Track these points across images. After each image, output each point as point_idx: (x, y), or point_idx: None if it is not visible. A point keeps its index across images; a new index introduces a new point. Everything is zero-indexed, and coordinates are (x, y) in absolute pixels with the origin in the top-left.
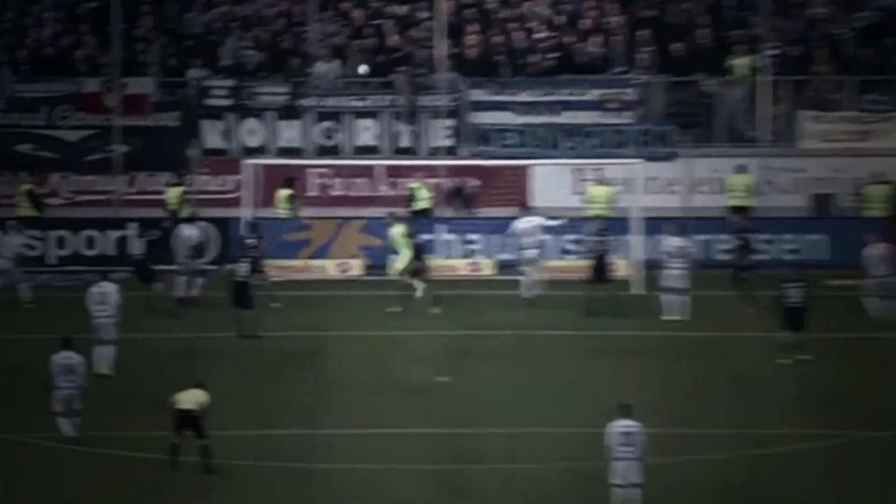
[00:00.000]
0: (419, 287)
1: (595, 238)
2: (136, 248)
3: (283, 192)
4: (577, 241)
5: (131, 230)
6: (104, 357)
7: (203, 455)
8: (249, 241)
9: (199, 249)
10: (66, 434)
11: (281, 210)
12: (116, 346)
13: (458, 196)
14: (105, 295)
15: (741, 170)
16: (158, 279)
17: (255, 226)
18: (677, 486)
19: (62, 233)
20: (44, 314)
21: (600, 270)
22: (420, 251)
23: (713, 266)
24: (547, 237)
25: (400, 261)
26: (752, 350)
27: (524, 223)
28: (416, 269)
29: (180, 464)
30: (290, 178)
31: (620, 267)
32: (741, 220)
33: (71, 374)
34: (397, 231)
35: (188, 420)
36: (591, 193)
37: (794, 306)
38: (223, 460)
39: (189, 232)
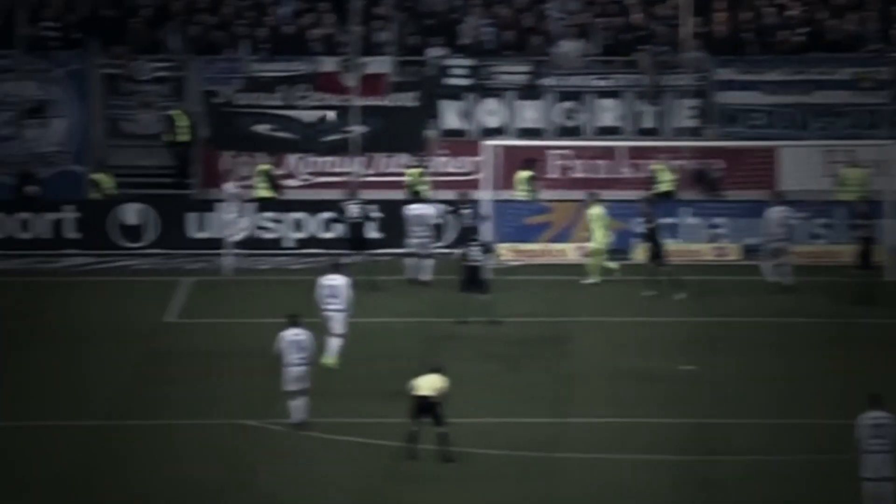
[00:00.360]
0: (615, 268)
1: (861, 222)
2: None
3: (523, 174)
4: (827, 226)
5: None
6: (332, 349)
7: (440, 443)
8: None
9: (435, 230)
10: (295, 419)
11: (520, 192)
12: (344, 339)
13: (702, 179)
14: (335, 288)
15: None
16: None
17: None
18: None
19: (299, 215)
20: (278, 296)
21: (866, 256)
22: (655, 235)
23: None
24: (795, 223)
25: (594, 242)
26: None
27: (775, 213)
28: (654, 253)
29: (419, 452)
30: (530, 159)
31: (875, 253)
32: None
33: (301, 352)
34: (595, 212)
35: (426, 407)
36: (844, 176)
37: None
38: (462, 448)
39: (421, 211)
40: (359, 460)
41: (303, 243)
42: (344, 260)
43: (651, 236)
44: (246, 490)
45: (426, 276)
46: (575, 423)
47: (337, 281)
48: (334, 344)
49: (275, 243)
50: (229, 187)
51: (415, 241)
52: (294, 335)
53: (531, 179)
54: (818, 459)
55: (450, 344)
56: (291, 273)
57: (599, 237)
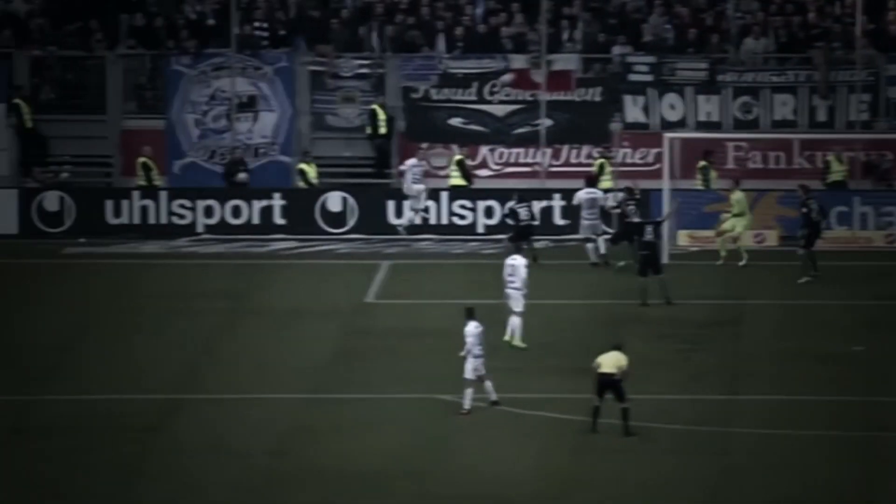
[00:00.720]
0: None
1: None
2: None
3: (701, 164)
4: None
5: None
6: (515, 330)
7: (623, 418)
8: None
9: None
10: (466, 407)
11: (699, 182)
12: (523, 317)
13: (875, 170)
14: (515, 268)
15: None
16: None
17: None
18: None
19: (490, 203)
20: (469, 279)
21: None
22: (811, 221)
23: None
24: None
25: (738, 226)
26: None
27: None
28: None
29: (601, 426)
30: (708, 150)
31: None
32: None
33: (478, 345)
34: (735, 197)
35: (609, 383)
36: None
37: None
38: (642, 423)
39: (592, 195)
40: (545, 434)
41: (492, 230)
42: (524, 245)
43: (808, 223)
44: (440, 461)
45: (597, 256)
46: (748, 401)
47: (517, 261)
48: (516, 323)
49: (467, 229)
50: (412, 162)
51: (586, 223)
52: (475, 327)
53: (706, 169)
54: None
55: (629, 325)
56: (482, 258)
57: (742, 221)
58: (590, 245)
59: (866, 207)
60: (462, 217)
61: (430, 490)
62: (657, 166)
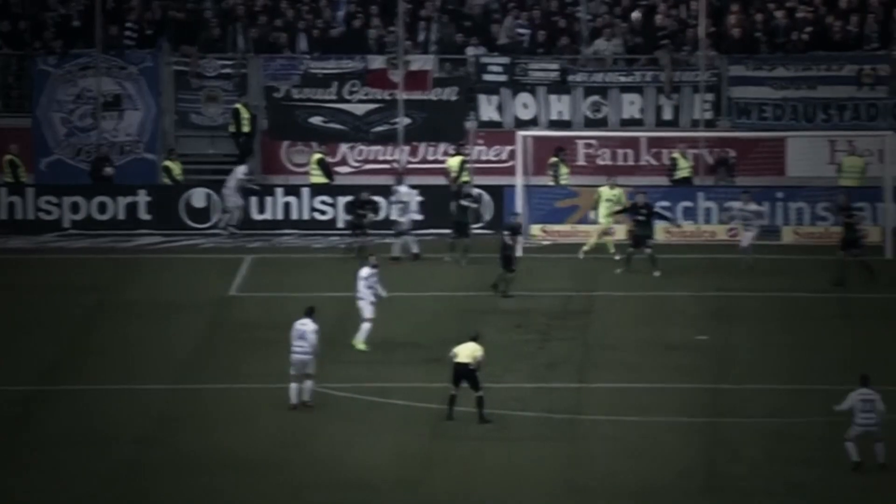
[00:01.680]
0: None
1: (841, 209)
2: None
3: (552, 160)
4: (830, 210)
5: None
6: (361, 331)
7: (478, 406)
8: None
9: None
10: (291, 401)
11: (550, 178)
12: (372, 323)
13: (722, 165)
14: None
15: None
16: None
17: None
18: None
19: (350, 198)
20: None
21: (846, 241)
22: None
23: None
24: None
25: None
26: None
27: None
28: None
29: (458, 414)
30: (560, 147)
31: (872, 233)
32: (845, 198)
33: (302, 340)
34: (606, 193)
35: (464, 373)
36: (844, 164)
37: None
38: (499, 411)
39: (405, 190)
40: (404, 422)
41: (349, 225)
42: (372, 251)
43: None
44: (303, 450)
45: (416, 249)
46: (599, 388)
47: (365, 272)
48: (364, 328)
49: (328, 224)
50: (242, 169)
51: (403, 219)
52: (301, 324)
53: (558, 165)
54: (826, 421)
55: (486, 316)
56: (342, 252)
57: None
58: (399, 239)
59: (710, 203)
60: (322, 213)
61: (295, 477)
62: (511, 163)
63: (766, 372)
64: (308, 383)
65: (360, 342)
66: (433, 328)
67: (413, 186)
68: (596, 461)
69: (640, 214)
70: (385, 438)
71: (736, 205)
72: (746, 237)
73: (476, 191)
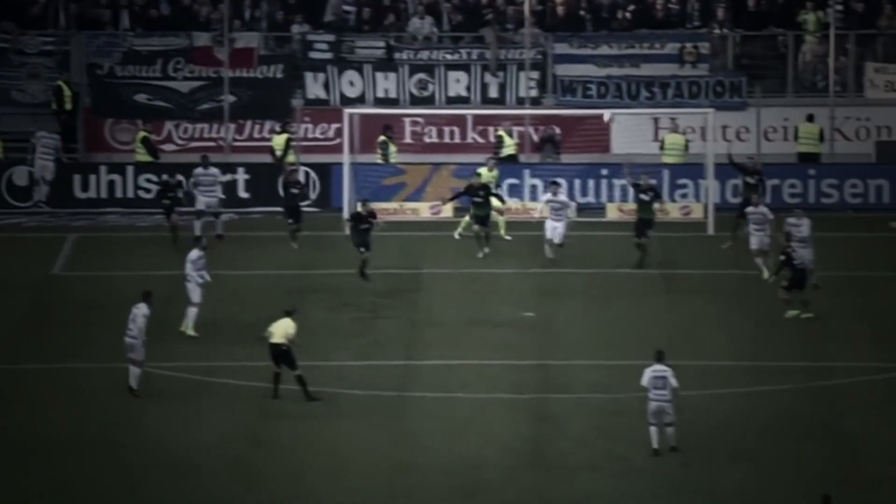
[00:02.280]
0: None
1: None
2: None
3: (381, 139)
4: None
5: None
6: (189, 317)
7: (300, 384)
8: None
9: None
10: (131, 383)
11: (378, 156)
12: (200, 308)
13: (548, 143)
14: (135, 316)
15: (810, 118)
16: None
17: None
18: (745, 414)
19: (178, 177)
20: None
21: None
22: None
23: (782, 209)
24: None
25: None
26: (823, 288)
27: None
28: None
29: (286, 392)
30: (388, 125)
31: (695, 210)
32: (754, 163)
33: (132, 323)
34: (485, 176)
35: (278, 353)
36: (666, 141)
37: (799, 267)
38: (327, 388)
39: (212, 171)
40: (231, 401)
41: (178, 202)
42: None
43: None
44: (130, 431)
45: (221, 230)
46: (426, 366)
47: (194, 255)
48: (192, 313)
49: (153, 203)
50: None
51: (205, 199)
52: (136, 307)
53: (386, 144)
54: (644, 397)
55: (313, 294)
56: (167, 230)
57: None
58: (201, 220)
59: (535, 180)
60: (147, 191)
61: (125, 459)
62: (337, 141)
63: (590, 348)
64: (134, 370)
65: (189, 328)
66: (261, 307)
67: (239, 165)
68: (423, 438)
69: (478, 196)
70: (213, 418)
71: (544, 196)
72: (557, 231)
73: (302, 177)
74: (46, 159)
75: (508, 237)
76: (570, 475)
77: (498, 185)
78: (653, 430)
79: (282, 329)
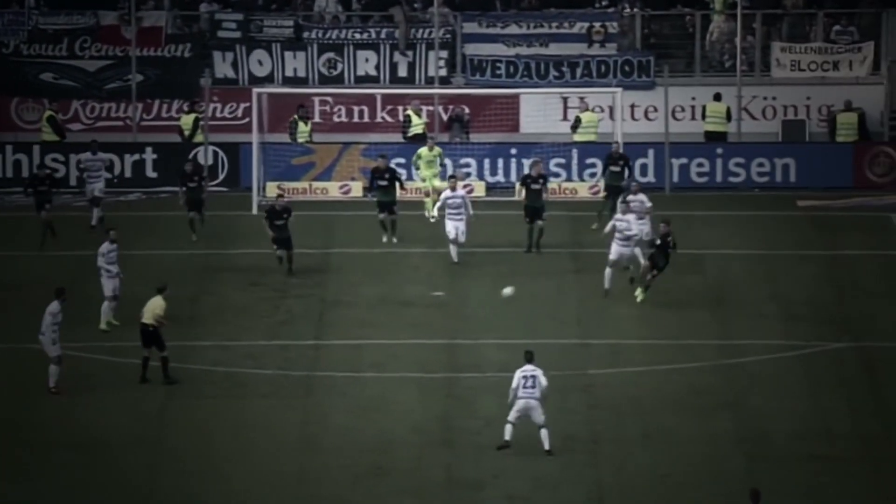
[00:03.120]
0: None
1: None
2: None
3: (293, 118)
4: (562, 165)
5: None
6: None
7: (163, 367)
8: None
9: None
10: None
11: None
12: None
13: (457, 122)
14: (108, 256)
15: (717, 97)
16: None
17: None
18: (656, 392)
19: (83, 156)
20: (66, 233)
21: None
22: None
23: (690, 188)
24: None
25: (434, 181)
26: (727, 268)
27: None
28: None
29: (190, 372)
30: (302, 104)
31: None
32: (616, 150)
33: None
34: (425, 155)
35: (147, 334)
36: (584, 119)
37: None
38: (234, 369)
39: (98, 159)
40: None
41: (82, 182)
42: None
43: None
44: (39, 408)
45: (95, 221)
46: (336, 345)
47: (105, 248)
48: (105, 308)
49: (61, 182)
50: None
51: (91, 186)
52: (51, 305)
53: (295, 123)
54: (555, 375)
55: (221, 273)
56: (74, 210)
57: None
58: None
59: (447, 160)
60: (55, 171)
61: (33, 436)
62: (246, 120)
63: (500, 328)
64: (52, 368)
65: (103, 323)
66: (170, 287)
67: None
68: (331, 417)
69: (383, 179)
70: (121, 397)
71: (444, 194)
72: (460, 230)
73: (203, 158)
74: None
75: (433, 216)
76: (480, 453)
77: (442, 164)
78: (508, 427)
79: (150, 309)
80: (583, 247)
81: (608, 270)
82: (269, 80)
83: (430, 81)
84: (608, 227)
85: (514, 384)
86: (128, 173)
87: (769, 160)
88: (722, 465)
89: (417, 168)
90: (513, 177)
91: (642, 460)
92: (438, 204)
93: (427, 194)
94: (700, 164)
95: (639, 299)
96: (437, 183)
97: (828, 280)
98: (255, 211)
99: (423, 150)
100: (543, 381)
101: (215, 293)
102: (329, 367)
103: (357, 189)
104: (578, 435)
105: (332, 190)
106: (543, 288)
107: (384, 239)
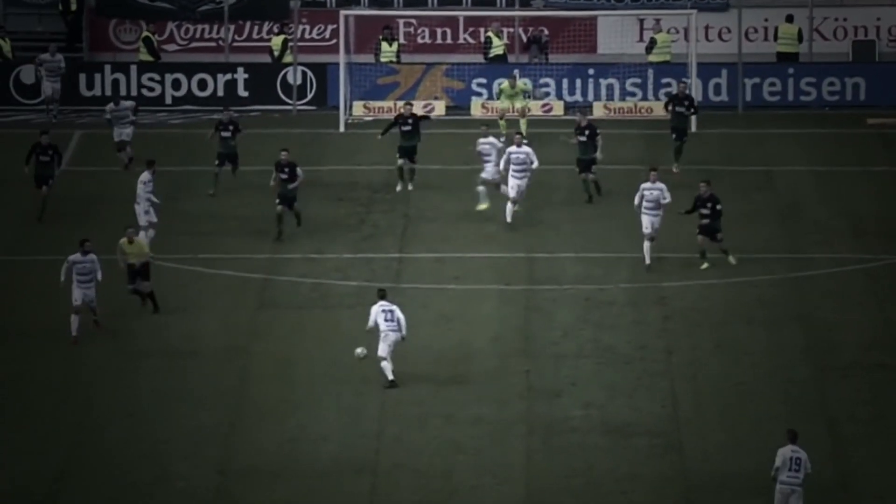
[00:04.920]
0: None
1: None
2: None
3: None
4: (638, 85)
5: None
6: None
7: (152, 301)
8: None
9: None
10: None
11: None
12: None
13: (535, 43)
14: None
15: (789, 19)
16: None
17: None
18: (727, 304)
19: (177, 75)
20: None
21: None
22: None
23: (762, 107)
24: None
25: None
26: (798, 184)
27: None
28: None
29: (282, 283)
30: (387, 26)
31: None
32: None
33: (86, 274)
34: (507, 90)
35: (133, 272)
36: (658, 39)
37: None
38: (320, 280)
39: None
40: (231, 291)
41: (178, 101)
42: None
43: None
44: (129, 317)
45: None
46: (418, 258)
47: (145, 177)
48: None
49: (156, 101)
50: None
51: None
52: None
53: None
54: (629, 288)
55: (310, 189)
56: (171, 127)
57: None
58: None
59: (525, 80)
60: (151, 90)
61: (127, 344)
62: (333, 41)
63: (576, 242)
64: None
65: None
66: (254, 203)
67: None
68: (415, 328)
69: (406, 124)
70: (212, 307)
71: (508, 149)
72: (521, 191)
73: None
74: (53, 81)
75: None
76: (558, 362)
77: (529, 96)
78: (385, 364)
79: (137, 248)
80: (655, 164)
81: (646, 244)
82: (355, 1)
83: (510, 3)
84: (637, 199)
85: (371, 320)
86: (220, 92)
87: (839, 79)
88: (791, 375)
89: (499, 99)
90: (590, 96)
91: (714, 370)
92: (504, 159)
93: (501, 116)
94: (772, 84)
95: (703, 267)
96: (517, 104)
97: None
98: (342, 129)
99: (505, 86)
100: (401, 314)
101: (303, 208)
102: (412, 279)
103: (440, 108)
104: (653, 345)
105: (416, 109)
106: (619, 203)
107: (398, 188)
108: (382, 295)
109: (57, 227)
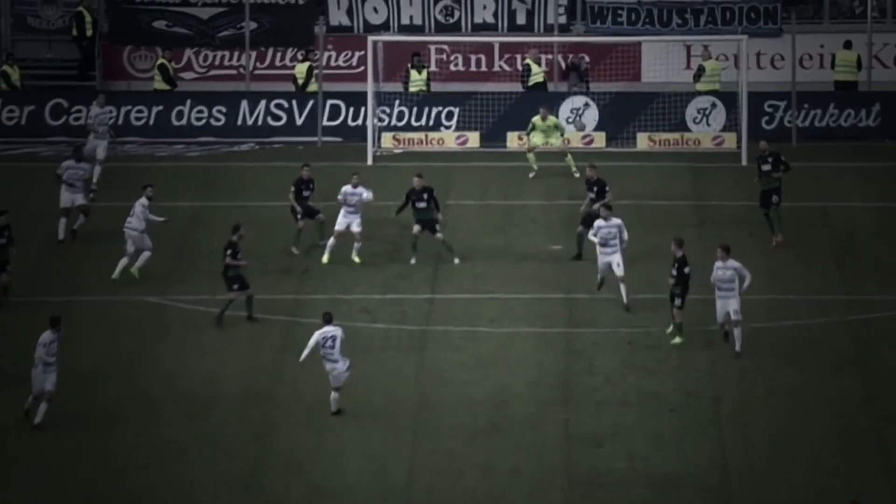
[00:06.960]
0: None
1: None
2: None
3: (409, 66)
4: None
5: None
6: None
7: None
8: None
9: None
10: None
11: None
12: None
13: (574, 70)
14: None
15: (847, 45)
16: None
17: None
18: (781, 348)
19: (199, 106)
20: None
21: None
22: None
23: (817, 139)
24: None
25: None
26: (856, 221)
27: None
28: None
29: (303, 325)
30: (416, 53)
31: (728, 140)
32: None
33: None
34: (539, 125)
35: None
36: (707, 67)
37: None
38: (348, 322)
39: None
40: (254, 334)
41: (196, 131)
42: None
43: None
44: (151, 361)
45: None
46: (452, 299)
47: (144, 201)
48: (143, 258)
49: (173, 132)
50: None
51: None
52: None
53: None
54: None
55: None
56: (187, 160)
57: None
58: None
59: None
60: (166, 119)
61: (144, 388)
62: (361, 69)
63: (619, 281)
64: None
65: (135, 270)
66: (276, 240)
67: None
68: (448, 372)
69: (421, 199)
70: (235, 351)
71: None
72: (618, 266)
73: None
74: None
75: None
76: (599, 409)
77: (562, 132)
78: (334, 394)
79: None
80: (703, 199)
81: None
82: (384, 27)
83: (549, 29)
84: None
85: (312, 343)
86: (239, 122)
87: None
88: (849, 424)
89: (530, 135)
90: (632, 127)
91: (766, 418)
92: (592, 232)
93: (531, 150)
94: (829, 115)
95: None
96: (556, 141)
97: None
98: (369, 161)
99: (537, 120)
100: (341, 335)
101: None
102: (444, 321)
103: (474, 139)
104: (700, 392)
105: (449, 140)
106: (664, 240)
107: (412, 261)
108: (328, 319)
109: (77, 263)
